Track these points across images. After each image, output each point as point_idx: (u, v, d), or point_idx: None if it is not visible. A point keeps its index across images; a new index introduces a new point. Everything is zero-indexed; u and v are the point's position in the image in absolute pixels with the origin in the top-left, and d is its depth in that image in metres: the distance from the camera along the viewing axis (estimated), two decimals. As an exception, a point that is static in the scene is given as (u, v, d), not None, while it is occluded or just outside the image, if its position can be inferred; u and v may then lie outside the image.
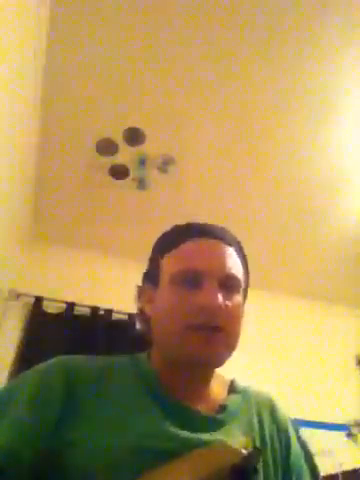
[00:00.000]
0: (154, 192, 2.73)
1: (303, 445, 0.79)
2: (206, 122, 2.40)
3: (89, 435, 0.62)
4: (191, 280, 0.70)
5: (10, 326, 2.64)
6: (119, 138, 2.45)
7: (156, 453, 0.61)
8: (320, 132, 2.43)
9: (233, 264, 0.74)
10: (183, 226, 0.79)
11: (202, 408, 0.70)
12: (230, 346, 0.70)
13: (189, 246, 0.74)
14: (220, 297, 0.68)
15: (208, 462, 0.60)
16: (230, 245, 0.76)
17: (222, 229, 0.79)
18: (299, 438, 0.80)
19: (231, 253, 0.75)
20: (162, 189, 2.74)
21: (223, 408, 0.72)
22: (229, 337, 0.69)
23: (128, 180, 2.66)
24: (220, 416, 0.71)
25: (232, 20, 1.98)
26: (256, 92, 2.26)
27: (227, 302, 0.69)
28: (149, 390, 0.70)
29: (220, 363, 0.71)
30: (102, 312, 2.82)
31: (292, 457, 0.74)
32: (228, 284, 0.71)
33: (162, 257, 0.76)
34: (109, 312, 2.81)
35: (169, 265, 0.74)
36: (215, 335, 0.67)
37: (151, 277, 0.78)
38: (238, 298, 0.73)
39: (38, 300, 2.74)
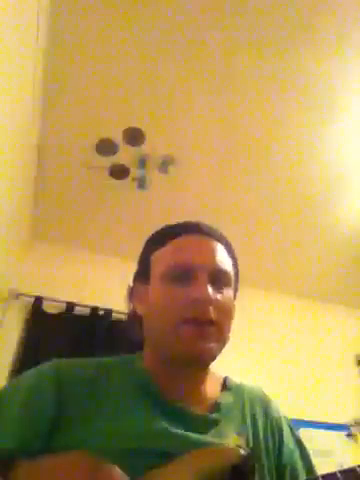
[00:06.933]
0: (154, 192, 2.73)
1: (298, 441, 0.79)
2: (206, 122, 2.40)
3: (85, 437, 0.62)
4: (181, 275, 0.70)
5: (10, 326, 2.64)
6: (119, 138, 2.45)
7: (153, 454, 0.61)
8: (321, 131, 2.43)
9: (222, 259, 0.74)
10: (172, 225, 0.80)
11: (196, 407, 0.70)
12: (221, 340, 0.70)
13: (178, 242, 0.75)
14: (210, 290, 0.68)
15: (207, 462, 0.60)
16: (219, 242, 0.77)
17: (211, 227, 0.79)
18: (293, 434, 0.80)
19: (220, 249, 0.76)
20: (162, 189, 2.74)
21: (216, 406, 0.72)
22: (220, 331, 0.69)
23: (128, 180, 2.66)
24: (214, 415, 0.71)
25: (232, 21, 1.98)
26: (256, 91, 2.26)
27: (218, 296, 0.69)
28: (143, 390, 0.70)
29: (212, 358, 0.71)
30: (102, 312, 2.82)
31: (285, 453, 0.74)
32: (218, 278, 0.71)
33: (151, 255, 0.76)
34: (109, 312, 2.81)
35: (158, 262, 0.74)
36: (207, 329, 0.67)
37: (141, 276, 0.78)
38: (229, 292, 0.73)
39: (38, 300, 2.74)
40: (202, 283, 0.68)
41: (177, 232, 0.76)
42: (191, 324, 0.67)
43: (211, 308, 0.68)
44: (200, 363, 0.72)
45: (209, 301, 0.67)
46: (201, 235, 0.76)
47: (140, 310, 0.77)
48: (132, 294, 0.80)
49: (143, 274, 0.77)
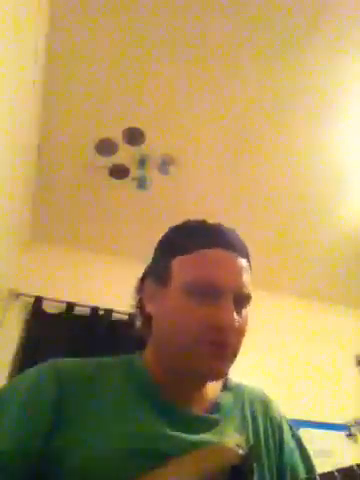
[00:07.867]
0: (154, 192, 2.73)
1: (297, 441, 0.80)
2: (206, 122, 2.40)
3: (84, 437, 0.62)
4: (207, 292, 0.68)
5: (10, 326, 2.64)
6: (119, 138, 2.45)
7: (152, 454, 0.61)
8: (320, 131, 2.43)
9: (247, 280, 0.72)
10: (198, 227, 0.76)
11: (196, 408, 0.71)
12: (234, 359, 0.71)
13: (206, 256, 0.71)
14: (236, 316, 0.67)
15: (207, 463, 0.60)
16: (243, 256, 0.74)
17: (236, 237, 0.76)
18: (293, 434, 0.80)
19: (246, 268, 0.73)
20: (162, 189, 2.74)
21: (216, 407, 0.73)
22: (235, 352, 0.70)
23: (128, 180, 2.66)
24: (214, 416, 0.71)
25: (232, 20, 1.98)
26: (256, 91, 2.26)
27: (239, 319, 0.69)
28: (143, 391, 0.70)
29: (223, 376, 0.72)
30: (102, 312, 2.82)
31: (285, 452, 0.75)
32: (240, 301, 0.70)
33: (173, 258, 0.73)
34: (109, 312, 2.81)
35: (182, 270, 0.71)
36: (224, 351, 0.67)
37: (158, 275, 0.74)
38: (246, 312, 0.72)
39: (38, 300, 2.74)
40: (229, 307, 0.67)
41: (203, 242, 0.72)
42: (210, 345, 0.66)
43: (232, 332, 0.67)
44: (210, 380, 0.72)
45: (233, 327, 0.67)
46: (230, 251, 0.72)
47: (150, 309, 0.75)
48: (142, 289, 0.78)
49: (160, 274, 0.74)
